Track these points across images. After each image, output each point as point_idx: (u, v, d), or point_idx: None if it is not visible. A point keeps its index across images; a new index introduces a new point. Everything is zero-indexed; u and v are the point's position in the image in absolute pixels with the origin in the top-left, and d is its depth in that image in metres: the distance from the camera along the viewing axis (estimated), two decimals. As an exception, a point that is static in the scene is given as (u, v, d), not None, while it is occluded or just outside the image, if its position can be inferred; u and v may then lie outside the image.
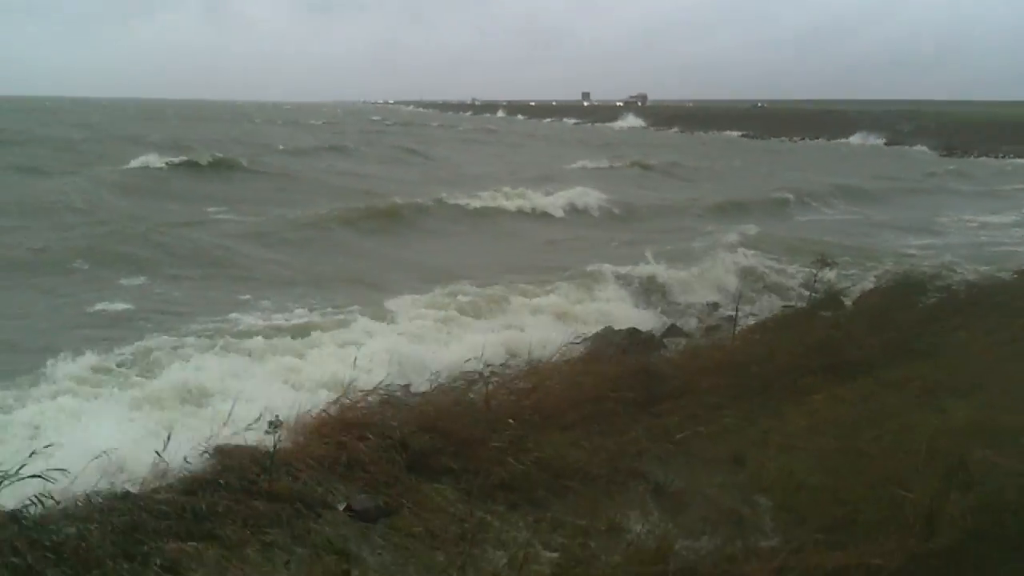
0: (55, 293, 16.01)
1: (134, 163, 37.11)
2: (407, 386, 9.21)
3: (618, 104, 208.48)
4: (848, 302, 12.15)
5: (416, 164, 52.35)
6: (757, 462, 7.27)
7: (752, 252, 20.13)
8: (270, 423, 7.00)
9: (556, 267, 19.94)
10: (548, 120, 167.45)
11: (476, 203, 30.50)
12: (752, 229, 24.59)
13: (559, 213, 31.20)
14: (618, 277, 16.69)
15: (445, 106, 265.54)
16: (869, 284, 14.20)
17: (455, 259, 22.00)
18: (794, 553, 5.72)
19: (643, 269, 17.12)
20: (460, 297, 15.11)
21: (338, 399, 8.25)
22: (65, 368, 10.76)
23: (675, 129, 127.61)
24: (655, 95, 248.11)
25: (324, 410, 8.20)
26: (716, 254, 19.31)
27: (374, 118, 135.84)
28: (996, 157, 73.82)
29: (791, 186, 40.35)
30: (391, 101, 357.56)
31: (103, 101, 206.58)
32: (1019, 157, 71.50)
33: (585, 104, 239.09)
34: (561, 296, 15.36)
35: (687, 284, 16.58)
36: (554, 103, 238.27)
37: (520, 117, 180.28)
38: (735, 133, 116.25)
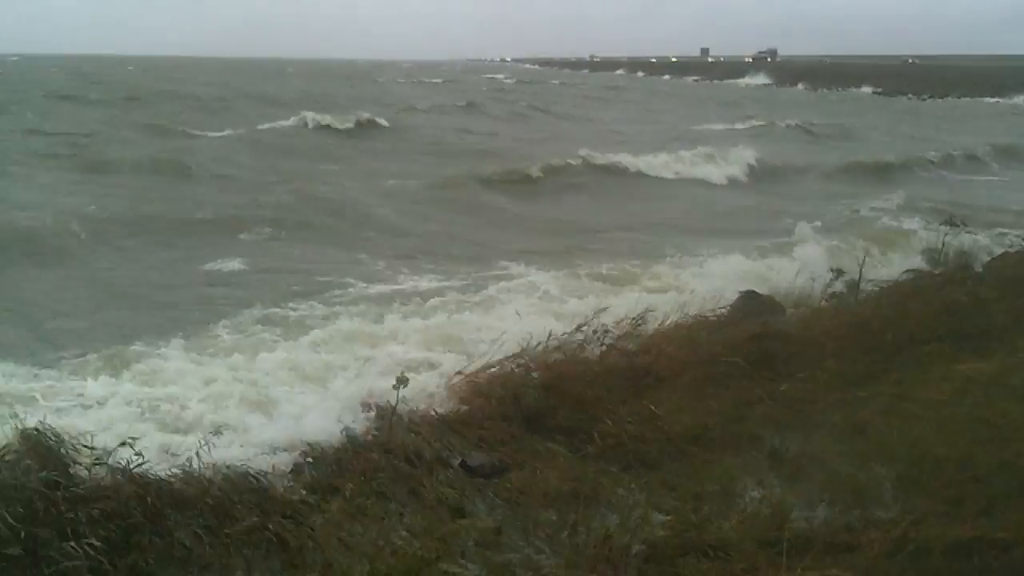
0: (177, 247, 16.59)
1: (271, 124, 38.24)
2: (536, 346, 9.37)
3: (746, 60, 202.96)
4: (979, 267, 11.65)
5: (546, 123, 52.12)
6: (878, 430, 7.09)
7: (905, 216, 19.47)
8: (397, 379, 7.22)
9: (701, 230, 19.79)
10: (667, 77, 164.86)
11: (621, 163, 29.87)
12: (900, 194, 23.76)
13: (707, 175, 30.27)
14: (767, 247, 16.04)
15: (563, 63, 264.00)
16: (1003, 248, 13.55)
17: (599, 220, 21.90)
18: (914, 524, 5.58)
19: (796, 235, 16.39)
20: (605, 265, 15.10)
21: (465, 368, 8.51)
22: (190, 328, 11.21)
23: (801, 86, 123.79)
24: (783, 50, 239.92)
25: (457, 371, 8.53)
26: (867, 219, 18.79)
27: (494, 76, 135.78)
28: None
29: (937, 146, 38.99)
30: (508, 59, 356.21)
31: (222, 60, 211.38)
32: None
33: (709, 60, 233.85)
34: (694, 264, 14.92)
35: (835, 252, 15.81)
36: (674, 59, 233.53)
37: (640, 74, 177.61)
38: (867, 89, 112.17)
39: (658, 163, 30.72)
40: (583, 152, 29.97)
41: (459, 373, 8.70)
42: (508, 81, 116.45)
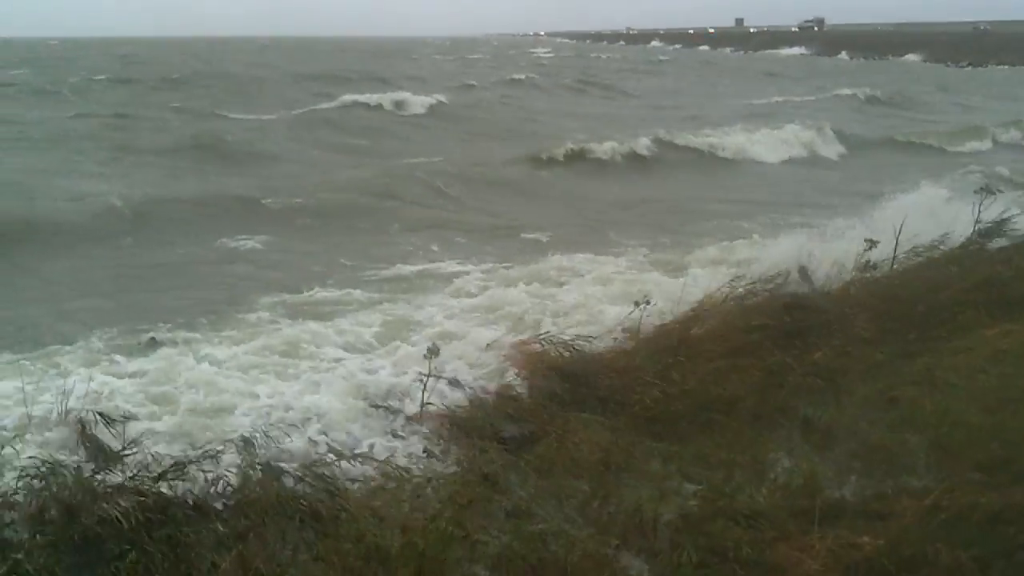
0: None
1: (331, 103, 38.58)
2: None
3: (793, 30, 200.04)
4: (1016, 233, 11.47)
5: (602, 99, 52.13)
6: (910, 399, 7.04)
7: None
8: (428, 349, 7.28)
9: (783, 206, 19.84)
10: (704, 48, 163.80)
11: (696, 143, 29.23)
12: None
13: (789, 152, 29.94)
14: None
15: (598, 36, 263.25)
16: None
17: (681, 200, 22.07)
18: (947, 492, 5.56)
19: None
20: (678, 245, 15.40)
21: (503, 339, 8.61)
22: (226, 309, 11.41)
23: (843, 55, 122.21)
24: (832, 19, 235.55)
25: (490, 343, 8.77)
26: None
27: (532, 51, 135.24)
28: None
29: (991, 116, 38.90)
30: (541, 33, 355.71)
31: (254, 40, 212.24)
32: None
33: (751, 31, 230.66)
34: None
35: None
36: (711, 31, 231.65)
37: (677, 46, 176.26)
38: (913, 57, 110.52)
39: (735, 142, 29.90)
40: (661, 133, 29.52)
41: (490, 346, 8.81)
42: (548, 55, 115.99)
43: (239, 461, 5.94)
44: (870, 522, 5.50)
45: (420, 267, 14.16)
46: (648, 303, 9.11)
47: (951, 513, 5.33)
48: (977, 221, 11.07)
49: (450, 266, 14.23)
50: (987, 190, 11.12)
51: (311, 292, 12.30)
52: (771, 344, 8.44)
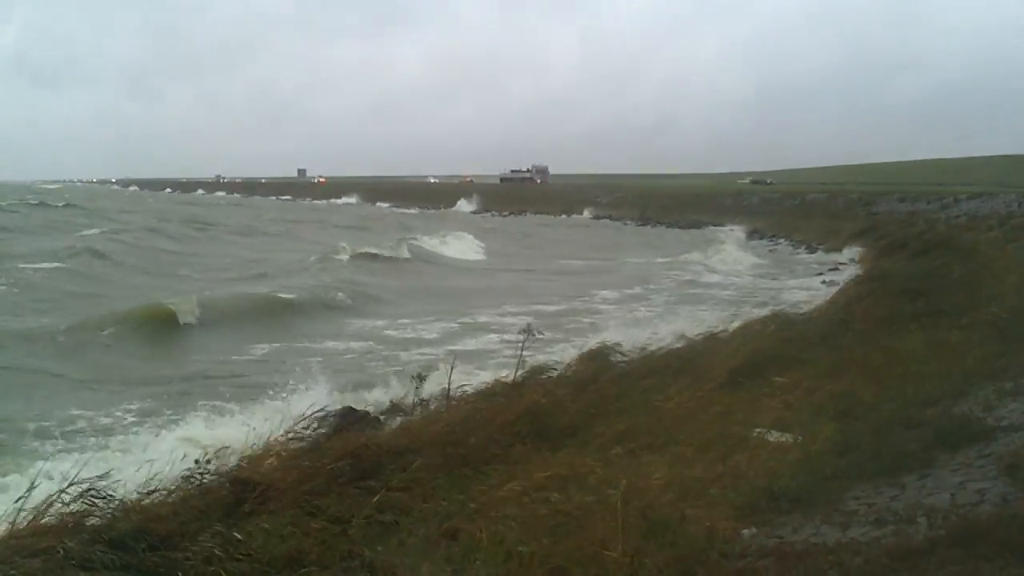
0: None
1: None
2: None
3: (498, 181, 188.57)
4: (553, 370, 12.68)
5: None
6: (469, 534, 7.34)
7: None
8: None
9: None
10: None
11: None
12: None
13: None
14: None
15: (192, 183, 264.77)
16: (572, 352, 15.00)
17: None
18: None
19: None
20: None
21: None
22: None
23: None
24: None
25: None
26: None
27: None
28: (681, 227, 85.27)
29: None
30: (113, 180, 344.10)
31: None
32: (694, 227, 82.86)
33: (432, 180, 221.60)
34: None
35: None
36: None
37: (287, 198, 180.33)
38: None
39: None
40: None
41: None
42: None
43: None
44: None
45: None
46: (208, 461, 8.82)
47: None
48: (521, 361, 12.05)
49: None
50: (529, 331, 12.21)
51: None
52: (342, 490, 8.43)
